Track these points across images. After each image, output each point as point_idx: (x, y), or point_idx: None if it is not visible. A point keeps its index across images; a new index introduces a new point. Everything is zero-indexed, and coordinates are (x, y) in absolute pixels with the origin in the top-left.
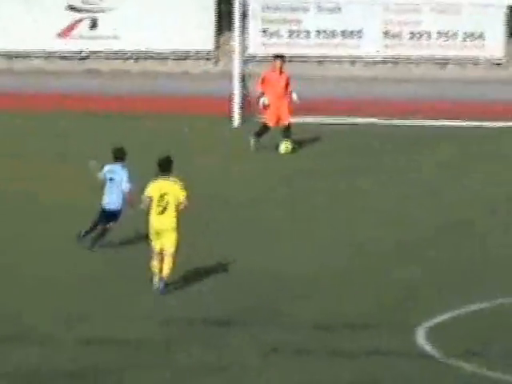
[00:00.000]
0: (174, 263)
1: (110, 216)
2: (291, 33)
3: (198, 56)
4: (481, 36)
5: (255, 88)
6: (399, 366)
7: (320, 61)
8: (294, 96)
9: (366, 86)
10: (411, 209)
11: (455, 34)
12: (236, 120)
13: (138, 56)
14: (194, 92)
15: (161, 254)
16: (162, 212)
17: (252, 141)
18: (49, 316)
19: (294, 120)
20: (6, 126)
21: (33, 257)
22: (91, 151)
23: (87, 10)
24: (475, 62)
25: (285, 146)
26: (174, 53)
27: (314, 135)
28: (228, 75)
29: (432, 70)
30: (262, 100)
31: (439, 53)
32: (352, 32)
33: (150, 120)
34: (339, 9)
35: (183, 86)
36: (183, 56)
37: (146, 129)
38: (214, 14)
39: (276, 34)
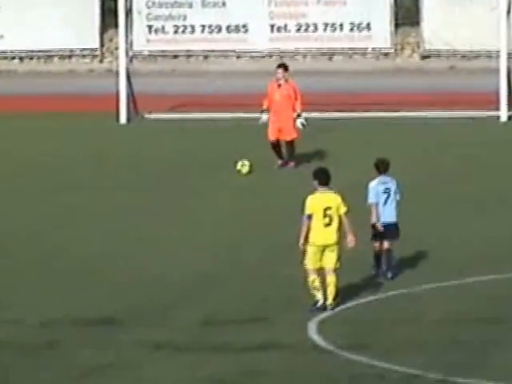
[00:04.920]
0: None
1: (391, 232)
2: (176, 28)
3: (83, 54)
4: (367, 27)
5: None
6: (291, 360)
7: (206, 56)
8: (298, 122)
9: (253, 80)
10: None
11: (341, 25)
12: (122, 117)
13: (23, 55)
14: (79, 90)
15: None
16: (328, 225)
17: (278, 163)
18: None
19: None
20: None
21: None
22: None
23: None
24: (362, 53)
25: (240, 165)
26: (59, 51)
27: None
28: (113, 73)
29: (319, 62)
30: (261, 118)
31: (326, 45)
32: (237, 26)
33: (37, 119)
34: (224, 3)
35: (69, 85)
36: (68, 54)
37: (32, 128)
38: (98, 11)
39: (161, 30)
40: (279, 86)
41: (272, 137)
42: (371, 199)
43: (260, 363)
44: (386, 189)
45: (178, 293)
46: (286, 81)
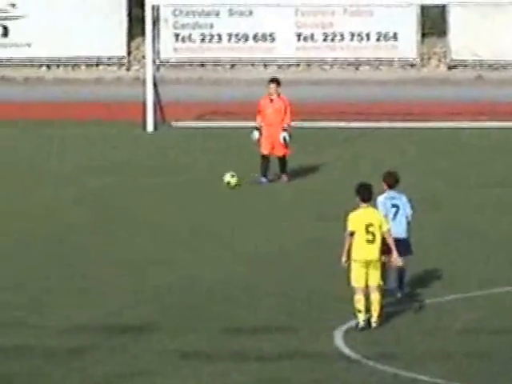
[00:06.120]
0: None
1: (400, 248)
2: (203, 37)
3: (111, 62)
4: (394, 37)
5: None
6: (318, 369)
7: (233, 64)
8: (281, 136)
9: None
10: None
11: (368, 35)
12: (149, 125)
13: (50, 63)
14: (106, 98)
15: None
16: (371, 242)
17: (263, 180)
18: None
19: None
20: None
21: None
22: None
23: None
24: (389, 63)
25: (228, 179)
26: (86, 59)
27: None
28: (140, 81)
29: (346, 72)
30: (253, 134)
31: (352, 54)
32: (264, 35)
33: (64, 127)
34: (251, 12)
35: (96, 93)
36: (95, 62)
37: (58, 135)
38: (125, 20)
39: (188, 38)
40: (271, 100)
41: (264, 150)
42: (382, 212)
43: (286, 372)
44: (394, 204)
45: (203, 301)
46: (279, 95)
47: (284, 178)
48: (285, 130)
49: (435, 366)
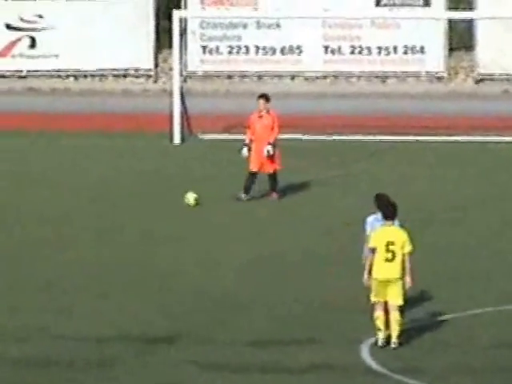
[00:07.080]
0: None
1: None
2: (230, 49)
3: (138, 74)
4: (421, 50)
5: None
6: (344, 382)
7: (260, 76)
8: (264, 150)
9: (307, 102)
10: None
11: (395, 49)
12: (176, 137)
13: (77, 74)
14: (133, 110)
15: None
16: (390, 260)
17: (242, 196)
18: None
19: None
20: None
21: None
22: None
23: (26, 29)
24: (416, 76)
25: (190, 197)
26: (113, 70)
27: None
28: (167, 93)
29: (373, 85)
30: (242, 151)
31: (379, 67)
32: (292, 48)
33: (90, 138)
34: (278, 25)
35: (123, 104)
36: (123, 74)
37: (85, 147)
38: (152, 32)
39: (215, 50)
40: (260, 116)
41: (254, 168)
42: (369, 231)
43: None
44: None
45: (223, 313)
46: (268, 112)
47: (274, 195)
48: (269, 143)
49: (462, 381)
